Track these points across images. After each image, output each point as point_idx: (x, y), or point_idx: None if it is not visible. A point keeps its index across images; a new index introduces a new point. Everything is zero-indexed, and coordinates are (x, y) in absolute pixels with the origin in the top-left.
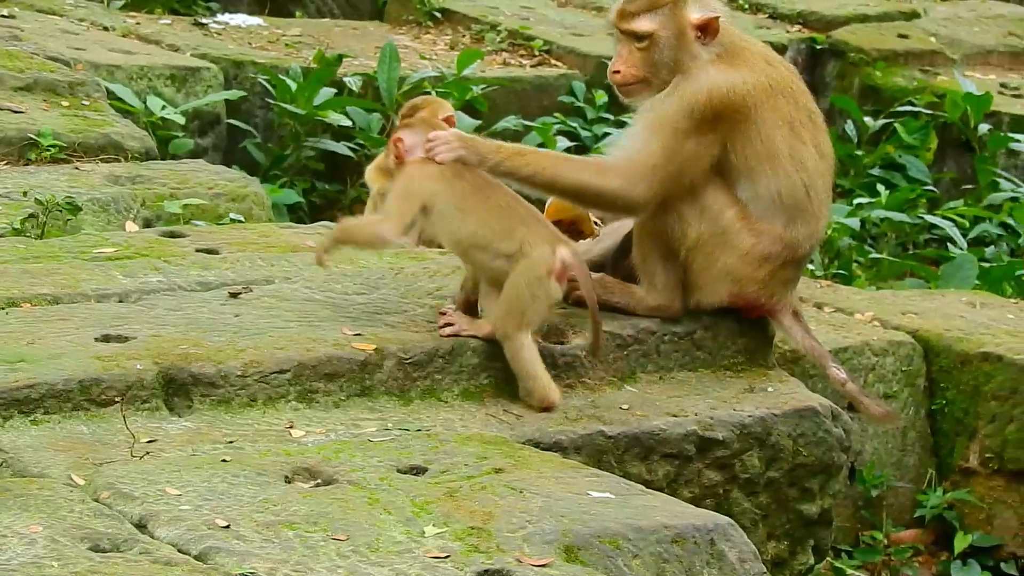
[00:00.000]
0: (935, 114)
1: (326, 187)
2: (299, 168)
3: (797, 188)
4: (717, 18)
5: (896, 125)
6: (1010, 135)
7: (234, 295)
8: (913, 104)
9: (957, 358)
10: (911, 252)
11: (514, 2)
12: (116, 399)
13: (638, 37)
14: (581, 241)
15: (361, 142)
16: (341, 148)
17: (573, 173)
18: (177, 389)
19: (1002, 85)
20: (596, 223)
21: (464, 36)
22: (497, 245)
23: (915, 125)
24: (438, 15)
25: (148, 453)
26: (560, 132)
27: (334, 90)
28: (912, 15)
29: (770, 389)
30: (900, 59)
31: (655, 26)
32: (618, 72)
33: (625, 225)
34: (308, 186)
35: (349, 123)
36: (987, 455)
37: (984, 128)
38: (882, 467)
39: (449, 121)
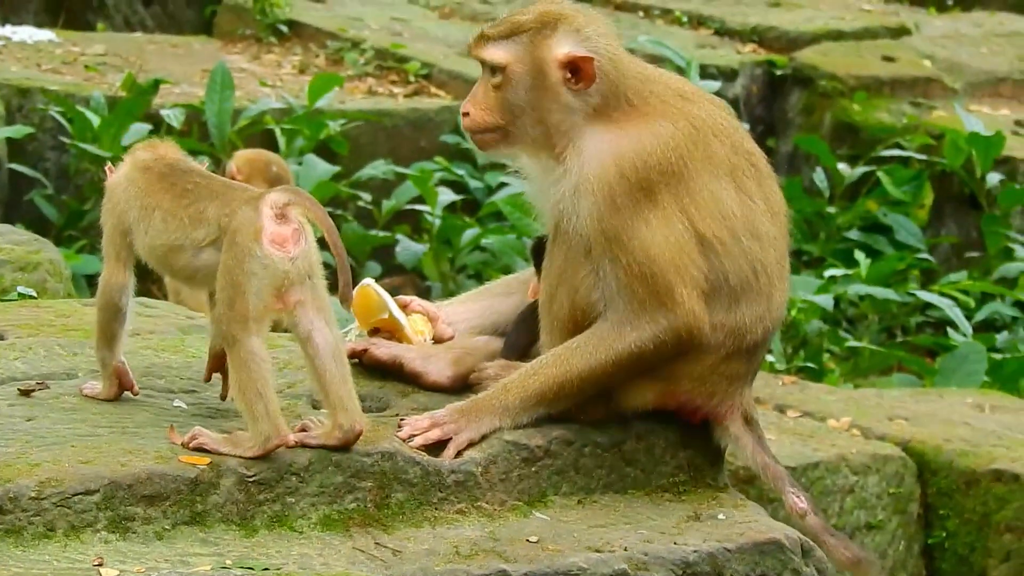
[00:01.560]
0: (930, 160)
1: None
2: None
3: (746, 265)
4: (591, 60)
5: (880, 174)
6: None
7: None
8: (902, 147)
9: (961, 478)
10: (899, 339)
11: (383, 12)
12: None
13: (492, 70)
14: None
15: None
16: None
17: (603, 349)
18: None
19: (1017, 123)
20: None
21: (317, 56)
22: (192, 236)
23: (904, 175)
24: (284, 29)
25: None
26: (442, 182)
27: (148, 126)
28: (900, 31)
29: (721, 516)
30: (885, 88)
31: (509, 57)
32: (467, 114)
33: (519, 301)
34: None
35: None
36: None
37: (994, 179)
38: None
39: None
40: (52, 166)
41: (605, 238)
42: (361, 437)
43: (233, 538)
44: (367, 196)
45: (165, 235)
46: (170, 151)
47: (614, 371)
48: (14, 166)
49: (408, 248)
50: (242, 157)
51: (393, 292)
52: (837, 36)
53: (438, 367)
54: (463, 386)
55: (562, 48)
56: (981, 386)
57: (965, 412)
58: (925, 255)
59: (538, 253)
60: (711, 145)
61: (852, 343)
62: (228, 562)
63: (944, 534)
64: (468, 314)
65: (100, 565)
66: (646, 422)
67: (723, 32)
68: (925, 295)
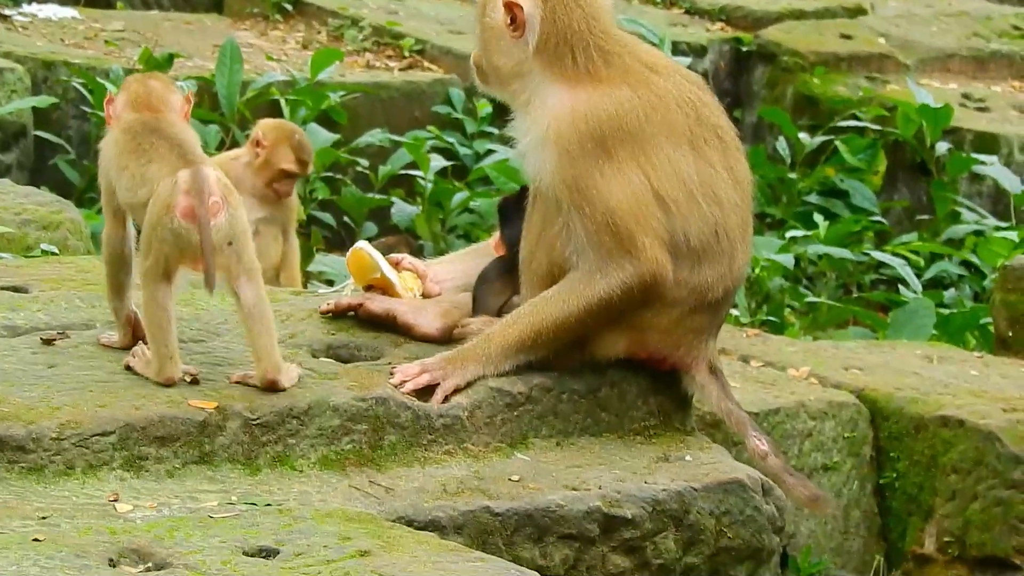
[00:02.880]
0: (884, 130)
1: None
2: None
3: (706, 227)
4: (520, 7)
5: (837, 143)
6: (973, 156)
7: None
8: (858, 118)
9: (910, 423)
10: (855, 295)
11: None
12: None
13: None
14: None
15: None
16: None
17: (575, 297)
18: None
19: (964, 96)
20: (412, 290)
21: (320, 32)
22: (141, 195)
23: (860, 143)
24: (288, 7)
25: None
26: (434, 149)
27: None
28: (857, 11)
29: (688, 458)
30: (843, 64)
31: None
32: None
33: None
34: None
35: None
36: (946, 539)
37: (943, 147)
38: (820, 553)
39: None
40: (74, 133)
41: (567, 188)
42: (276, 385)
43: (238, 476)
44: (365, 162)
45: (130, 192)
46: (156, 89)
47: (586, 318)
48: (39, 133)
49: (402, 210)
50: (268, 125)
51: (388, 251)
52: (799, 15)
53: (428, 320)
54: (451, 338)
55: None
56: (929, 339)
57: (915, 363)
58: (879, 218)
59: (503, 209)
60: (672, 114)
61: (811, 299)
62: (233, 498)
63: (895, 475)
64: (455, 272)
65: (115, 500)
66: (619, 371)
67: (693, 12)
68: (878, 255)
